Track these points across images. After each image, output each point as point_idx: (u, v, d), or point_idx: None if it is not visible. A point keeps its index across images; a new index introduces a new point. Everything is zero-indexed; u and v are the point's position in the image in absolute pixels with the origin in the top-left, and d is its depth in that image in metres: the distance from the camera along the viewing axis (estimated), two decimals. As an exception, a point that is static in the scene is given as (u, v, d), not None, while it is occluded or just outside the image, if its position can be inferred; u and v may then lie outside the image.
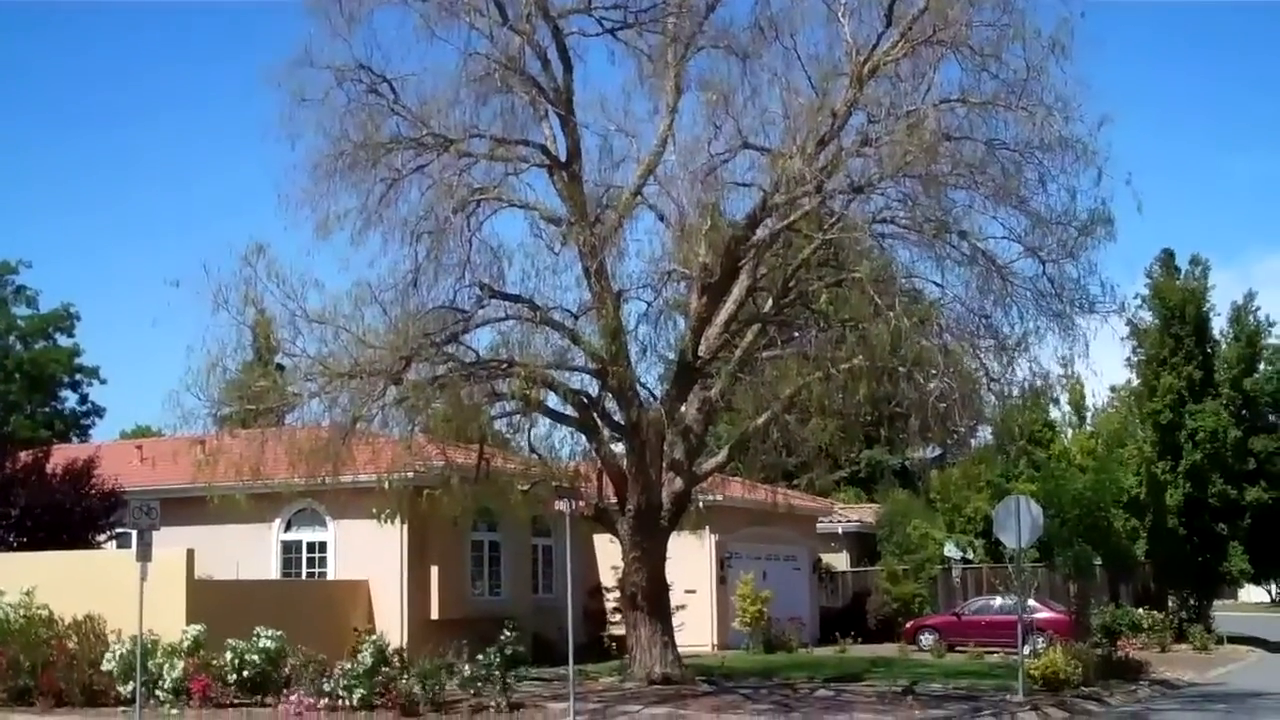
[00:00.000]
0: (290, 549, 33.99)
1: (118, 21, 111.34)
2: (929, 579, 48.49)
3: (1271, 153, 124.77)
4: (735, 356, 28.41)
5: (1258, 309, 47.94)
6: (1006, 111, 24.29)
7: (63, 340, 68.78)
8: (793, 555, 46.43)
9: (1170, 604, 44.49)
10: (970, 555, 49.23)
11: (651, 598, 27.90)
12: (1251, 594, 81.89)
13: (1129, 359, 47.09)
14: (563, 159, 26.35)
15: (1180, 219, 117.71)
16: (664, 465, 28.06)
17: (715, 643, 40.29)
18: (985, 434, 31.30)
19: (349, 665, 23.66)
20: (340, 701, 23.05)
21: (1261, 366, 48.86)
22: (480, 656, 23.95)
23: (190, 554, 26.42)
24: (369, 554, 32.17)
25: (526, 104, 26.16)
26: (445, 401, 25.32)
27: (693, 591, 38.03)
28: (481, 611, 32.24)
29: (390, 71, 25.75)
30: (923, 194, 24.74)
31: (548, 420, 28.02)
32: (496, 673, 23.66)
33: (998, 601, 41.28)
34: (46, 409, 68.38)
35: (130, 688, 22.87)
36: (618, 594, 30.30)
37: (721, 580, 41.44)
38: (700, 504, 32.61)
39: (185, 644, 24.25)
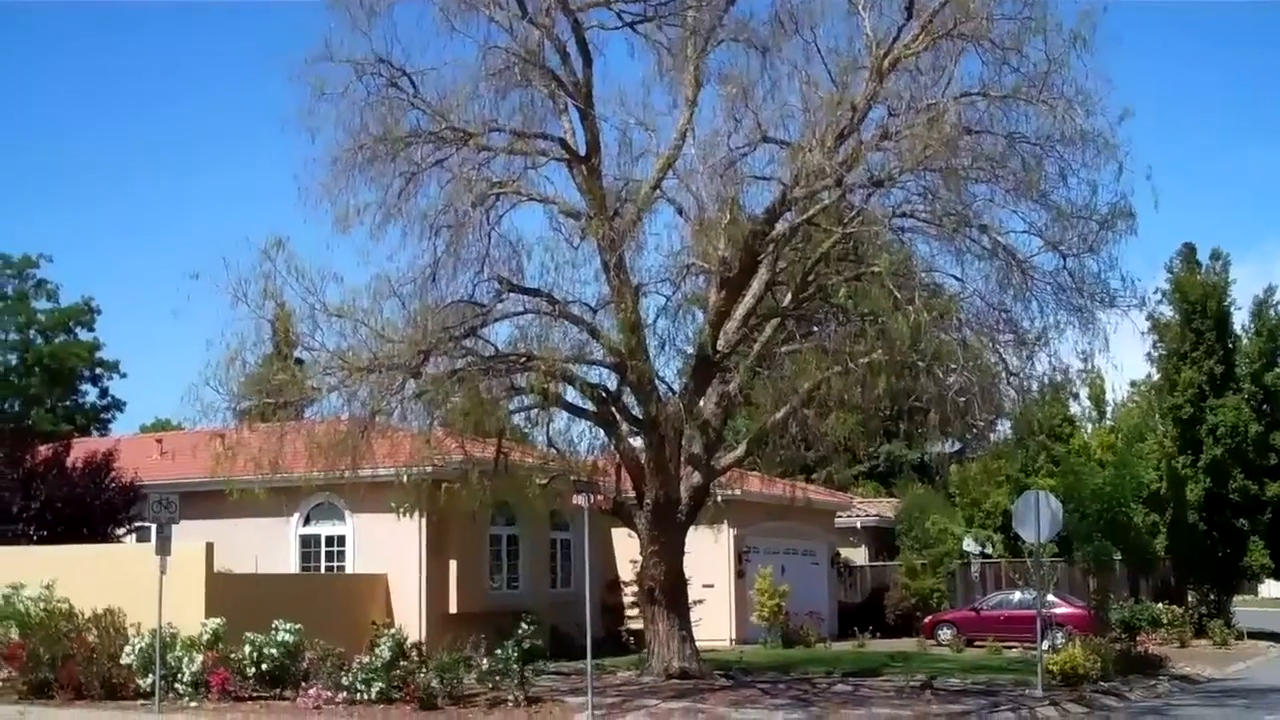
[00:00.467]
0: (309, 543, 34.06)
1: (138, 15, 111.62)
2: (947, 574, 48.39)
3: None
4: (754, 351, 28.39)
5: (1279, 303, 47.68)
6: (1027, 105, 24.14)
7: (83, 334, 69.24)
8: (811, 550, 46.38)
9: (1190, 599, 44.30)
10: (989, 550, 49.12)
11: (669, 592, 27.88)
12: (1272, 589, 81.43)
13: (1149, 353, 46.95)
14: (582, 153, 26.30)
15: (1201, 213, 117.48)
16: (682, 459, 28.03)
17: (733, 637, 40.29)
18: (1005, 428, 31.28)
19: (367, 659, 23.67)
20: (358, 695, 23.04)
21: (1282, 361, 48.55)
22: (498, 650, 23.95)
23: (209, 548, 26.52)
24: (387, 548, 32.22)
25: (546, 98, 26.12)
26: (464, 395, 25.27)
27: (711, 586, 38.05)
28: (499, 605, 32.28)
29: (410, 65, 25.75)
30: (943, 188, 24.64)
31: (566, 414, 28.02)
32: (514, 666, 23.65)
33: (1017, 596, 41.26)
34: (67, 403, 68.75)
35: (149, 681, 22.96)
36: (636, 588, 30.26)
37: (739, 575, 41.42)
38: (718, 498, 32.63)
39: (204, 637, 24.28)
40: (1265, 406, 45.75)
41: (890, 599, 47.16)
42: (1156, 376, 48.68)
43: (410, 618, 30.86)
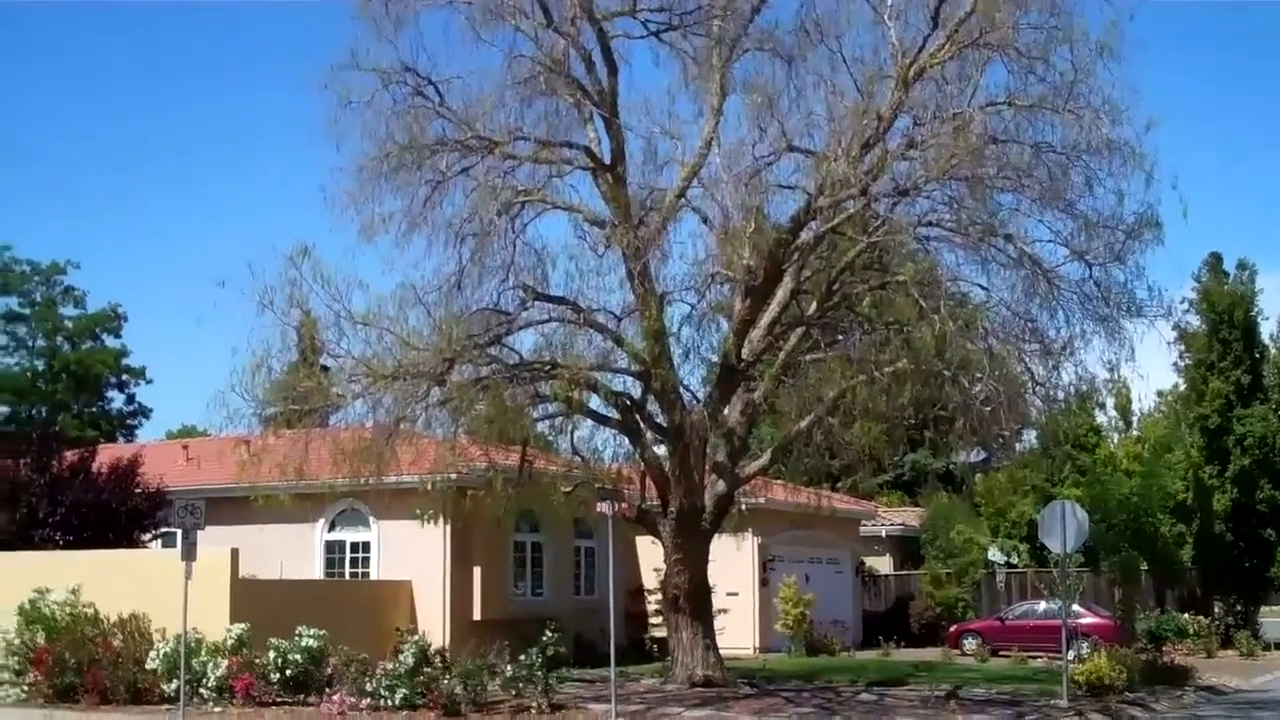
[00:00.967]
0: (333, 549, 34.14)
1: (167, 21, 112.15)
2: (972, 583, 48.17)
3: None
4: (779, 359, 28.38)
5: (1306, 313, 47.50)
6: (1053, 114, 24.11)
7: (110, 341, 69.51)
8: (835, 558, 46.24)
9: (1216, 610, 44.09)
10: (1014, 560, 48.95)
11: (693, 600, 27.86)
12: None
13: (1176, 363, 46.83)
14: (607, 161, 26.33)
15: (1228, 222, 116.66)
16: (707, 468, 28.03)
17: (757, 645, 40.19)
18: (1030, 438, 31.20)
19: (391, 665, 23.70)
20: (382, 701, 23.07)
21: (1311, 371, 48.31)
22: (522, 657, 23.97)
23: (234, 553, 26.57)
24: (412, 554, 32.28)
25: (571, 106, 26.20)
26: (488, 403, 25.30)
27: (735, 594, 38.01)
28: (523, 612, 32.29)
29: (435, 74, 25.82)
30: (968, 197, 24.56)
31: (590, 422, 28.08)
32: (538, 673, 23.66)
33: (1042, 606, 41.03)
34: (93, 409, 69.07)
35: (174, 686, 23.00)
36: (660, 596, 30.30)
37: (764, 583, 41.32)
38: (743, 506, 32.57)
39: (229, 643, 24.36)
40: (1292, 416, 45.54)
41: (915, 608, 46.96)
42: (1183, 386, 48.55)
43: (434, 624, 30.92)
